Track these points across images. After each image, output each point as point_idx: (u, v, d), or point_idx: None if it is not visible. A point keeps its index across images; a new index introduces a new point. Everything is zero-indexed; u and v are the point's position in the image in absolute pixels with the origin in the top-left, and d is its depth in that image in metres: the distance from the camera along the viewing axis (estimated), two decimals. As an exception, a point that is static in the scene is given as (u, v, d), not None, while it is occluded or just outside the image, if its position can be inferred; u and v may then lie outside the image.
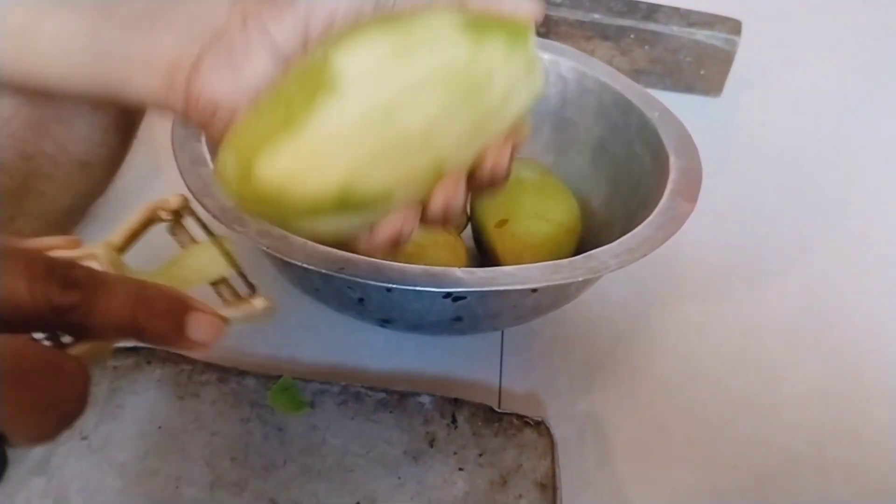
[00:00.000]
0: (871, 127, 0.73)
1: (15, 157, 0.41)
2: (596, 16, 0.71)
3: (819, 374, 0.48)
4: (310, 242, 0.37)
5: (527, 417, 0.41)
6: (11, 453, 0.35)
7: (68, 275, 0.21)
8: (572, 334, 0.49)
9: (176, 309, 0.23)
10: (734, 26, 0.70)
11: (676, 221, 0.41)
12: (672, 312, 0.52)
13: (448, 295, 0.38)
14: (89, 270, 0.22)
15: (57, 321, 0.21)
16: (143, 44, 0.31)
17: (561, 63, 0.55)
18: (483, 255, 0.51)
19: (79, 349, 0.23)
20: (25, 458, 0.37)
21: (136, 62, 0.31)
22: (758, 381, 0.47)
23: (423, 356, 0.46)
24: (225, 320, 0.25)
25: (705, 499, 0.41)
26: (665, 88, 0.73)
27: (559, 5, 0.72)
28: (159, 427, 0.39)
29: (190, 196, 0.29)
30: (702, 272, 0.55)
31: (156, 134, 0.51)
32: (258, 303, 0.27)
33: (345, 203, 0.26)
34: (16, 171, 0.41)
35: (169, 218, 0.28)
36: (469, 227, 0.52)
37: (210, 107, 0.29)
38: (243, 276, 0.28)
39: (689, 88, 0.73)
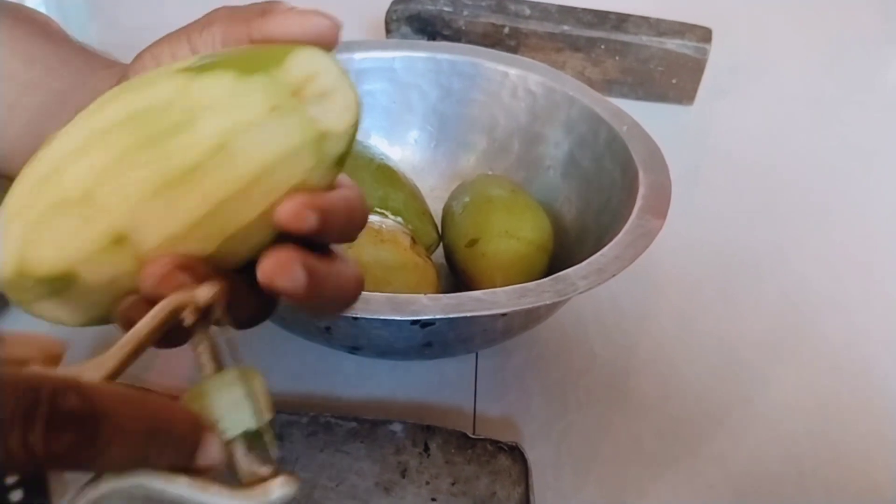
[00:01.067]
0: (844, 133, 0.73)
1: None
2: (566, 27, 0.71)
3: (796, 386, 0.48)
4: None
5: (501, 443, 0.40)
6: None
7: (58, 407, 0.16)
8: (546, 354, 0.48)
9: (192, 434, 0.19)
10: (704, 34, 0.70)
11: (645, 239, 0.40)
12: (647, 328, 0.51)
13: (416, 322, 0.37)
14: (84, 395, 0.17)
15: (43, 470, 0.17)
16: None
17: (529, 78, 0.55)
18: (455, 274, 0.50)
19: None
20: None
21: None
22: (734, 396, 0.47)
23: (395, 381, 0.46)
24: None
25: (684, 519, 0.41)
26: (637, 98, 0.73)
27: (528, 17, 0.71)
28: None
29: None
30: (676, 285, 0.54)
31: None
32: (279, 488, 0.19)
33: (24, 284, 0.22)
34: None
35: (192, 321, 0.21)
36: (441, 246, 0.52)
37: None
38: (269, 439, 0.21)
39: (661, 97, 0.73)
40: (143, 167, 0.21)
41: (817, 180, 0.66)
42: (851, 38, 0.89)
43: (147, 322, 0.20)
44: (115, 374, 0.20)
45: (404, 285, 0.43)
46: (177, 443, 0.19)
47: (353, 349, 0.43)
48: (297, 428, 0.40)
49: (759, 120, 0.73)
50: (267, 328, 0.46)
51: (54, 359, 0.20)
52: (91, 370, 0.19)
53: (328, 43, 0.25)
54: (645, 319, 0.52)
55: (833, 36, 0.89)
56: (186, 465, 0.19)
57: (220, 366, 0.21)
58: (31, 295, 0.23)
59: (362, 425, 0.40)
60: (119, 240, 0.22)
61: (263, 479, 0.20)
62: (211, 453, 0.19)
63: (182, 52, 0.27)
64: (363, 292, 0.36)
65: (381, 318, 0.35)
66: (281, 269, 0.22)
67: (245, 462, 0.20)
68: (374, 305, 0.35)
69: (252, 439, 0.20)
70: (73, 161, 0.22)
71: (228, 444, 0.20)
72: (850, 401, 0.47)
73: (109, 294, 0.23)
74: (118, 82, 0.30)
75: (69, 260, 0.22)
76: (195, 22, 0.29)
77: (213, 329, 0.22)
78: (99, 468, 0.18)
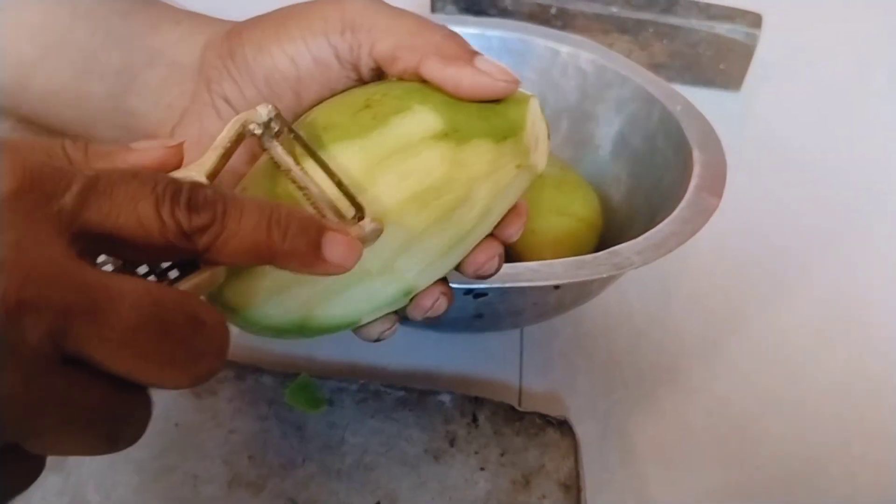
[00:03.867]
0: (893, 120, 0.71)
1: None
2: (614, 9, 0.70)
3: (845, 371, 0.47)
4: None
5: (549, 416, 0.40)
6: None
7: (196, 195, 0.20)
8: (592, 333, 0.48)
9: (311, 229, 0.21)
10: (754, 20, 0.69)
11: (702, 216, 0.40)
12: (694, 309, 0.51)
13: (470, 291, 0.37)
14: (217, 189, 0.20)
15: (188, 247, 0.20)
16: (124, 111, 0.31)
17: (580, 56, 0.54)
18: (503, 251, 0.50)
19: (193, 281, 0.21)
20: (42, 456, 0.37)
21: (120, 125, 0.31)
22: (782, 379, 0.46)
23: (441, 354, 0.46)
24: (361, 240, 0.23)
25: (731, 499, 0.40)
26: (684, 83, 0.72)
27: (577, -1, 0.71)
28: (176, 424, 0.39)
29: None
30: (723, 268, 0.54)
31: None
32: (367, 224, 0.23)
33: (303, 329, 0.26)
34: None
35: (260, 132, 0.24)
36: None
37: None
38: (350, 195, 0.24)
39: (708, 82, 0.72)
40: (437, 237, 0.26)
41: (865, 169, 0.65)
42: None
43: (227, 132, 0.24)
44: (214, 173, 0.23)
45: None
46: (298, 232, 0.21)
47: (403, 318, 0.43)
48: (347, 395, 0.40)
49: (807, 107, 0.72)
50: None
51: (177, 152, 0.23)
52: (195, 169, 0.23)
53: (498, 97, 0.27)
54: (691, 301, 0.51)
55: (883, 25, 0.87)
56: (314, 259, 0.21)
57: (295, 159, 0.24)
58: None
59: (411, 394, 0.41)
60: (408, 293, 0.27)
61: (355, 223, 0.23)
62: (336, 250, 0.22)
63: (317, 46, 0.28)
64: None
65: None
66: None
67: (331, 215, 0.24)
68: (431, 272, 0.35)
69: (333, 205, 0.24)
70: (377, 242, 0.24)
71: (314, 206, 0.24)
72: (900, 388, 0.46)
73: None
74: (204, 50, 0.30)
75: (358, 312, 0.27)
76: (319, 12, 0.28)
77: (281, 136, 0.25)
78: (229, 250, 0.20)
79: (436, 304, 0.28)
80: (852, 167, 0.65)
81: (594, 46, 0.55)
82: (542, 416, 0.40)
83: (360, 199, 0.24)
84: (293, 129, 0.25)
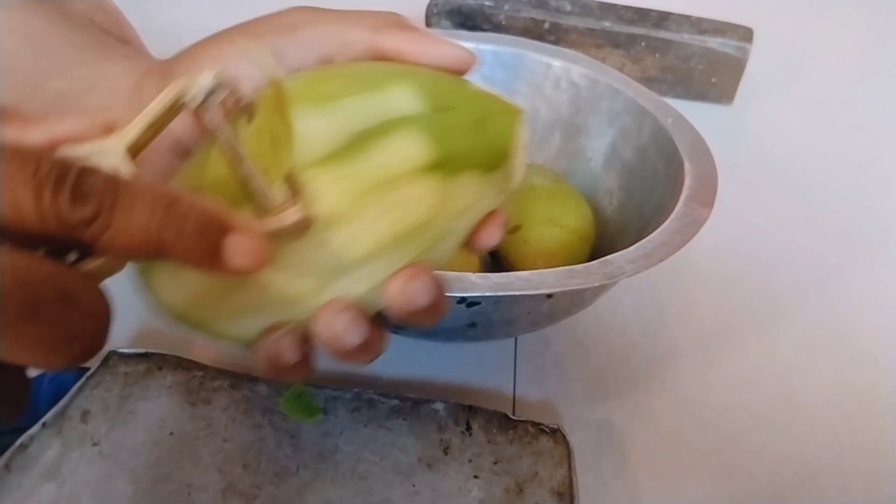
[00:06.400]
0: (884, 135, 0.72)
1: None
2: (606, 24, 0.71)
3: (837, 382, 0.48)
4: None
5: (542, 425, 0.40)
6: (23, 458, 0.35)
7: (82, 182, 0.18)
8: (586, 342, 0.49)
9: (212, 227, 0.20)
10: (746, 34, 0.70)
11: (693, 227, 0.40)
12: (686, 321, 0.51)
13: (462, 300, 0.38)
14: (108, 177, 0.18)
15: (67, 238, 0.18)
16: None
17: (572, 69, 0.55)
18: (495, 262, 0.51)
19: (89, 265, 0.19)
20: (36, 465, 0.37)
21: None
22: (774, 389, 0.47)
23: (435, 363, 0.46)
24: (271, 237, 0.20)
25: (723, 508, 0.41)
26: (676, 96, 0.73)
27: (569, 13, 0.72)
28: (171, 433, 0.39)
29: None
30: (716, 280, 0.54)
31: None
32: (290, 216, 0.21)
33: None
34: None
35: (197, 102, 0.22)
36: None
37: None
38: (291, 178, 0.21)
39: (700, 96, 0.73)
40: (391, 263, 0.24)
41: (856, 182, 0.66)
42: (892, 39, 0.88)
43: (158, 100, 0.21)
44: (138, 147, 0.21)
45: (447, 269, 0.43)
46: (195, 232, 0.19)
47: (397, 328, 0.43)
48: (341, 403, 0.41)
49: (799, 121, 0.73)
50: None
51: (101, 128, 0.21)
52: (115, 141, 0.21)
53: (464, 73, 0.27)
54: (684, 313, 0.52)
55: (875, 39, 0.88)
56: (210, 262, 0.20)
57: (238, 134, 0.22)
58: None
59: (405, 403, 0.41)
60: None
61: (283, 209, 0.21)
62: (237, 254, 0.20)
63: (256, 54, 0.27)
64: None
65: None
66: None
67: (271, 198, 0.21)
68: (424, 281, 0.36)
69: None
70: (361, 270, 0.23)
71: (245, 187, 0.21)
72: (889, 397, 0.47)
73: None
74: (142, 77, 0.30)
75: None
76: (267, 20, 0.28)
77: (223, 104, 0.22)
78: (116, 246, 0.19)
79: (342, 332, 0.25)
80: (844, 181, 0.66)
81: (586, 60, 0.56)
82: (536, 425, 0.40)
83: (302, 184, 0.21)
84: (241, 98, 0.23)
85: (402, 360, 0.46)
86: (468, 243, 0.28)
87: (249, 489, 0.37)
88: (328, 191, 0.22)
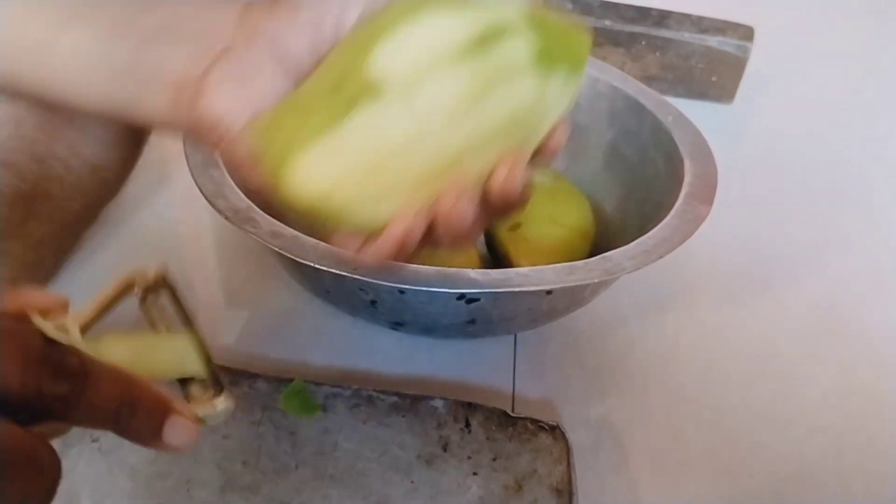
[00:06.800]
0: (884, 132, 0.72)
1: (27, 159, 0.41)
2: (607, 22, 0.71)
3: (836, 380, 0.48)
4: (321, 243, 0.36)
5: (541, 422, 0.40)
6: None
7: (62, 362, 0.21)
8: (585, 340, 0.49)
9: (158, 411, 0.23)
10: (746, 32, 0.70)
11: (692, 224, 0.40)
12: (686, 318, 0.51)
13: (462, 297, 0.38)
14: (82, 360, 0.22)
15: (40, 408, 0.21)
16: (154, 61, 0.30)
17: (573, 67, 0.55)
18: (496, 259, 0.50)
19: (41, 428, 0.21)
20: (36, 461, 0.37)
21: (147, 80, 0.31)
22: (774, 388, 0.47)
23: (435, 360, 0.46)
24: (201, 421, 0.24)
25: (722, 506, 0.41)
26: (677, 95, 0.72)
27: (570, 12, 0.72)
28: (170, 430, 0.39)
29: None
30: (715, 277, 0.54)
31: (166, 138, 0.51)
32: (221, 403, 0.25)
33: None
34: (28, 173, 0.41)
35: (141, 293, 0.26)
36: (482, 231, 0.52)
37: (214, 123, 0.28)
38: (214, 375, 0.26)
39: (701, 95, 0.73)
40: (497, 146, 0.28)
41: (856, 180, 0.66)
42: (892, 37, 0.88)
43: (109, 289, 0.25)
44: (87, 325, 0.24)
45: (448, 266, 0.43)
46: (145, 414, 0.22)
47: (397, 325, 0.43)
48: (340, 400, 0.41)
49: (799, 119, 0.73)
50: (311, 305, 0.47)
51: (62, 307, 0.24)
52: (71, 321, 0.24)
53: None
54: (684, 310, 0.52)
55: (873, 36, 0.88)
56: (150, 442, 0.23)
57: (168, 325, 0.26)
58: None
59: (404, 400, 0.41)
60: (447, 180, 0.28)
61: (209, 401, 0.25)
62: (175, 433, 0.23)
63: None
64: (412, 265, 0.36)
65: (429, 289, 0.36)
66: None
67: (194, 389, 0.26)
68: (423, 277, 0.36)
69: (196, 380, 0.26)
70: (446, 136, 0.27)
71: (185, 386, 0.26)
72: (889, 394, 0.47)
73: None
74: (248, 5, 0.30)
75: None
76: None
77: (163, 298, 0.27)
78: (79, 416, 0.21)
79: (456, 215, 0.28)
80: (843, 178, 0.66)
81: (587, 58, 0.55)
82: (535, 422, 0.40)
83: (221, 378, 0.26)
84: (176, 294, 0.26)
85: (402, 357, 0.46)
86: (541, 150, 0.30)
87: (249, 486, 0.37)
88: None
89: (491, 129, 0.27)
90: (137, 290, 0.26)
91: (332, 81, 0.26)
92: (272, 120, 0.27)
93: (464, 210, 0.27)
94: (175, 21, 0.31)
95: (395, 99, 0.25)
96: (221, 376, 0.26)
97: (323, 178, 0.26)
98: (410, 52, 0.26)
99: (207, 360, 0.26)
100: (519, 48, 0.27)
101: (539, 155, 0.30)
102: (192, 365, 0.26)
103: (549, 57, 0.27)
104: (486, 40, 0.26)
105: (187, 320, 0.26)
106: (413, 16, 0.26)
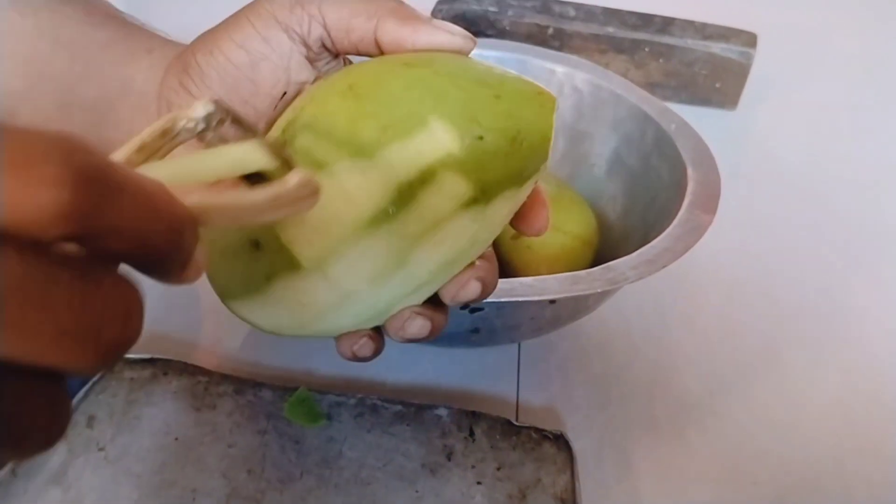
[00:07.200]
0: (888, 138, 0.72)
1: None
2: (610, 29, 0.71)
3: (840, 388, 0.48)
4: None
5: (545, 431, 0.40)
6: (29, 463, 0.35)
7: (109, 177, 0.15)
8: (589, 347, 0.49)
9: (179, 233, 0.17)
10: (750, 39, 0.70)
11: (696, 233, 0.41)
12: (689, 325, 0.51)
13: (465, 306, 0.38)
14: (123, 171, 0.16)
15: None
16: (102, 141, 0.30)
17: (576, 76, 0.55)
18: (499, 268, 0.50)
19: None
20: (41, 470, 0.37)
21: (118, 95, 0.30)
22: (777, 395, 0.47)
23: (439, 369, 0.46)
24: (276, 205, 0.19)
25: (726, 514, 0.41)
26: (680, 101, 0.73)
27: (573, 18, 0.72)
28: (176, 439, 0.39)
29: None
30: (719, 285, 0.54)
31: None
32: (293, 179, 0.19)
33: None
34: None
35: (191, 127, 0.21)
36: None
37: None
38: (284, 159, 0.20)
39: (704, 101, 0.73)
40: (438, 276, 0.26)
41: (860, 187, 0.66)
42: (897, 47, 0.88)
43: (150, 128, 0.20)
44: (130, 165, 0.20)
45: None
46: (165, 231, 0.16)
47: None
48: (344, 409, 0.41)
49: (803, 126, 0.73)
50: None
51: None
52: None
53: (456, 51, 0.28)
54: (687, 318, 0.52)
55: (879, 44, 0.88)
56: (170, 259, 0.17)
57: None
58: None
59: (408, 409, 0.41)
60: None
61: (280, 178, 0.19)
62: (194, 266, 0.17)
63: (264, 26, 0.27)
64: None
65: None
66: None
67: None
68: (427, 287, 0.36)
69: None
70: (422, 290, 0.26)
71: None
72: (893, 402, 0.47)
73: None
74: (165, 76, 0.29)
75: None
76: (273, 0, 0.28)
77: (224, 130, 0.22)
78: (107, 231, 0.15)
79: (406, 323, 0.26)
80: (848, 186, 0.66)
81: (590, 66, 0.56)
82: (539, 431, 0.40)
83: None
84: (238, 117, 0.22)
85: (406, 365, 0.46)
86: (520, 231, 0.29)
87: (253, 495, 0.37)
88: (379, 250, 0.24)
89: (428, 273, 0.25)
90: (187, 125, 0.21)
91: (248, 235, 0.25)
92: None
93: (414, 330, 0.26)
94: (109, 96, 0.30)
95: (310, 271, 0.24)
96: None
97: (263, 323, 0.26)
98: (316, 225, 0.23)
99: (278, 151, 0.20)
100: (443, 195, 0.24)
101: (522, 234, 0.30)
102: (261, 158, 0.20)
103: (483, 192, 0.25)
104: (402, 197, 0.23)
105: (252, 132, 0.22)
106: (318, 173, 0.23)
